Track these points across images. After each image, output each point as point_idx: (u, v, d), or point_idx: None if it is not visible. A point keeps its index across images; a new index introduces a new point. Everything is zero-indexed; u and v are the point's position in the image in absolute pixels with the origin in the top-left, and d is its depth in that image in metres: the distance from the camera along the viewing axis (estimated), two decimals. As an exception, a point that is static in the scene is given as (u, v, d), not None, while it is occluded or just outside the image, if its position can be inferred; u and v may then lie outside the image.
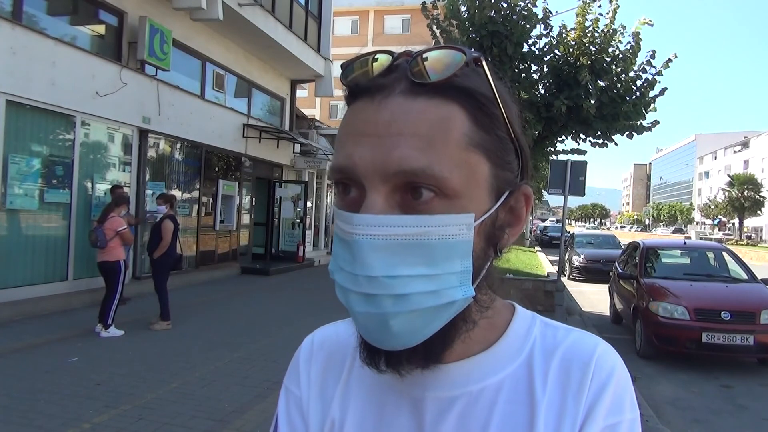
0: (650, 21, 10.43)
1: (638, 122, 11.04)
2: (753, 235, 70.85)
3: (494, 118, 0.59)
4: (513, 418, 0.62)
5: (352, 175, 0.57)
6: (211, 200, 12.51)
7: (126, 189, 9.17)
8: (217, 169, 12.76)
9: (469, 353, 0.65)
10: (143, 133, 10.08)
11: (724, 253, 8.98)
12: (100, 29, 9.60)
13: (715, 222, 75.51)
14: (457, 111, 0.56)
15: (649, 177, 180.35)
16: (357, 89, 0.59)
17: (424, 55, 0.57)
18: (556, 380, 0.63)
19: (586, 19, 10.59)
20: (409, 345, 0.57)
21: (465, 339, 0.62)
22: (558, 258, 14.19)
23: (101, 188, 9.16)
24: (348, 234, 0.55)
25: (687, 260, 9.39)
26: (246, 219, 14.38)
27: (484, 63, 0.57)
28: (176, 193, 10.89)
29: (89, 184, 8.96)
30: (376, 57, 0.59)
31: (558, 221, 48.90)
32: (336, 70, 16.93)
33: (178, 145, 11.38)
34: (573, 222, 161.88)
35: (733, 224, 71.08)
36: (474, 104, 0.57)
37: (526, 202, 0.64)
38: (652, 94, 10.77)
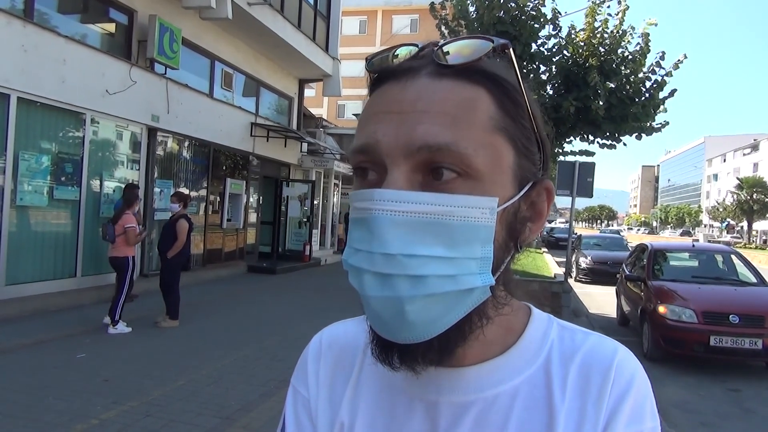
0: (655, 21, 10.39)
1: (647, 123, 10.99)
2: (766, 239, 70.29)
3: (519, 106, 0.58)
4: (531, 425, 0.60)
5: (374, 153, 0.56)
6: (218, 198, 12.56)
7: (135, 187, 9.22)
8: (224, 167, 12.80)
9: (487, 356, 0.63)
10: (152, 131, 10.13)
11: (733, 256, 8.91)
12: (110, 28, 9.66)
13: (724, 225, 74.92)
14: (484, 94, 0.56)
15: (657, 179, 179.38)
16: (383, 73, 0.59)
17: (451, 44, 0.57)
18: (575, 386, 0.61)
19: (596, 20, 10.56)
20: (424, 338, 0.54)
21: (482, 340, 0.60)
22: (565, 259, 14.14)
23: (110, 185, 9.22)
24: (367, 210, 0.53)
25: (695, 263, 9.32)
26: (253, 218, 14.42)
27: (511, 51, 0.56)
28: (183, 191, 10.94)
29: (98, 182, 9.02)
30: (397, 52, 0.59)
31: (566, 222, 48.73)
32: (344, 70, 16.98)
33: (187, 144, 11.43)
34: (581, 223, 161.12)
35: (742, 227, 70.55)
36: (500, 89, 0.57)
37: (548, 197, 0.63)
38: (661, 95, 10.72)
